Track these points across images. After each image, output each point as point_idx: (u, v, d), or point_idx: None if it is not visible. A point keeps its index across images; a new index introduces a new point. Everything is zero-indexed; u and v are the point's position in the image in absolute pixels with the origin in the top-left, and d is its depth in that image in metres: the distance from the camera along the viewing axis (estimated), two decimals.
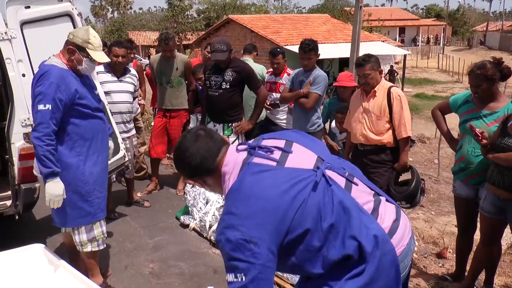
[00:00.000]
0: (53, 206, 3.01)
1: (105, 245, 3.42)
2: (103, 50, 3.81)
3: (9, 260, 2.98)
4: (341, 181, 1.76)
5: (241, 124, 4.72)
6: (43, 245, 3.06)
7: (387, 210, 1.80)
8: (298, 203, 1.63)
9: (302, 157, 1.79)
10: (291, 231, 1.63)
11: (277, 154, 1.77)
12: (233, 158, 1.81)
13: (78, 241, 3.24)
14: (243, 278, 1.59)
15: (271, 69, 5.59)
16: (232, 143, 4.70)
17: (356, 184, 1.79)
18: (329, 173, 1.74)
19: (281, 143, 1.83)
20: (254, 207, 1.62)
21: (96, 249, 3.30)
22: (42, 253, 3.01)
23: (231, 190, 1.72)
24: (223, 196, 1.83)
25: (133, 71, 5.09)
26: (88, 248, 3.27)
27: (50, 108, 2.89)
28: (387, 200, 1.86)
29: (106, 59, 3.26)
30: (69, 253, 3.52)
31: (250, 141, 1.92)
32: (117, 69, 4.85)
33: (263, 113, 5.50)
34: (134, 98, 5.09)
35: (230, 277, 1.62)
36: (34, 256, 3.02)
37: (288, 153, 1.78)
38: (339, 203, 1.67)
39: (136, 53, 6.39)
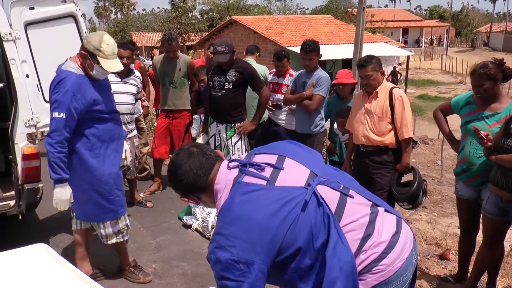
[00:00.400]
0: (60, 209, 3.13)
1: (128, 236, 3.54)
2: None
3: (12, 260, 2.98)
4: (334, 195, 1.73)
5: (244, 125, 4.73)
6: (46, 245, 3.06)
7: (386, 223, 1.77)
8: (288, 223, 1.62)
9: (294, 173, 1.76)
10: (282, 251, 1.64)
11: (268, 172, 1.75)
12: (224, 176, 1.79)
13: (103, 234, 3.38)
14: None
15: (273, 70, 5.59)
16: (235, 143, 4.74)
17: (352, 197, 1.76)
18: (321, 188, 1.71)
19: (273, 159, 1.80)
20: (243, 228, 1.63)
21: (121, 240, 3.46)
22: (45, 253, 3.02)
23: (222, 210, 1.72)
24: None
25: (137, 73, 5.08)
26: (113, 240, 3.42)
27: (64, 117, 2.95)
28: (386, 211, 1.82)
29: (118, 68, 3.16)
30: (77, 250, 3.53)
31: (243, 157, 1.90)
32: (121, 71, 4.83)
33: (266, 114, 5.51)
34: (136, 100, 5.10)
35: None
36: (37, 256, 3.02)
37: (280, 170, 1.76)
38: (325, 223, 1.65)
39: (140, 54, 6.42)
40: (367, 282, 1.71)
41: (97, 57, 3.02)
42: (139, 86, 4.99)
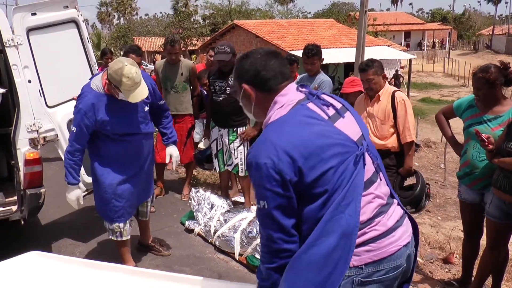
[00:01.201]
0: (74, 206, 3.60)
1: (125, 239, 3.66)
2: (107, 57, 3.90)
3: (2, 272, 3.00)
4: (371, 168, 1.83)
5: (246, 131, 4.73)
6: (39, 252, 3.07)
7: (395, 212, 1.87)
8: (334, 162, 1.69)
9: (350, 127, 1.83)
10: (316, 184, 1.69)
11: (331, 111, 1.82)
12: (291, 92, 1.84)
13: (106, 227, 3.67)
14: (266, 205, 1.70)
15: None
16: (237, 148, 4.74)
17: (381, 179, 1.87)
18: (366, 155, 1.79)
19: (338, 105, 1.88)
20: (295, 144, 1.67)
21: (114, 239, 3.65)
22: (38, 261, 3.02)
23: (279, 120, 1.77)
24: (263, 126, 1.89)
25: None
26: (110, 235, 3.65)
27: (75, 131, 3.29)
28: (398, 204, 1.93)
29: (142, 97, 3.23)
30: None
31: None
32: None
33: None
34: None
35: (257, 204, 1.74)
36: (29, 265, 3.03)
37: (341, 116, 1.83)
38: (357, 185, 1.73)
39: (143, 59, 6.46)
40: (361, 258, 1.75)
41: (120, 88, 3.15)
42: None
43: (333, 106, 1.84)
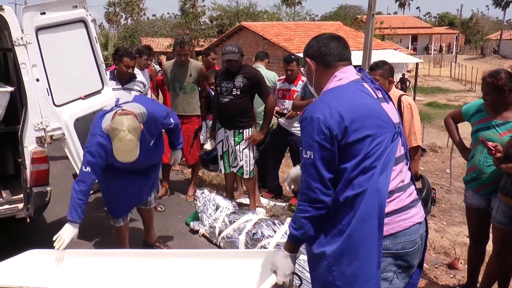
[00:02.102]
0: (56, 243, 3.26)
1: (118, 224, 3.91)
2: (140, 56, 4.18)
3: (2, 271, 3.05)
4: (402, 150, 2.08)
5: (253, 135, 4.73)
6: (38, 250, 3.10)
7: (411, 195, 2.08)
8: (373, 131, 1.94)
9: (392, 112, 2.11)
10: (354, 144, 1.92)
11: (380, 95, 2.11)
12: (350, 71, 2.12)
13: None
14: (312, 156, 1.95)
15: (282, 77, 5.59)
16: (243, 150, 4.74)
17: (406, 164, 2.12)
18: (399, 138, 2.05)
19: (385, 94, 2.17)
20: (346, 107, 1.93)
21: (114, 224, 3.94)
22: (37, 259, 3.06)
23: (337, 87, 2.05)
24: (312, 90, 2.26)
25: (140, 77, 5.08)
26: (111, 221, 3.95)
27: (89, 171, 3.39)
28: (415, 189, 2.15)
29: (125, 161, 3.22)
30: None
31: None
32: (123, 78, 4.86)
33: (273, 120, 5.50)
34: None
35: (304, 153, 1.99)
36: (28, 263, 3.07)
37: (386, 102, 2.12)
38: (390, 159, 1.98)
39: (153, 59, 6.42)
40: None
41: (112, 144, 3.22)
42: (142, 90, 5.01)
43: (382, 93, 2.13)
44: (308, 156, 1.96)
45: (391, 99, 2.18)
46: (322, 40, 2.16)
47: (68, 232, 3.31)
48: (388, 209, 1.95)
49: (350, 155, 1.93)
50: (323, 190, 1.95)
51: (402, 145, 2.08)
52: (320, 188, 1.95)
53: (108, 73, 4.80)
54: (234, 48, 4.55)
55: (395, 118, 2.09)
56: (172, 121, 3.73)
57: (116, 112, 3.30)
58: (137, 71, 5.14)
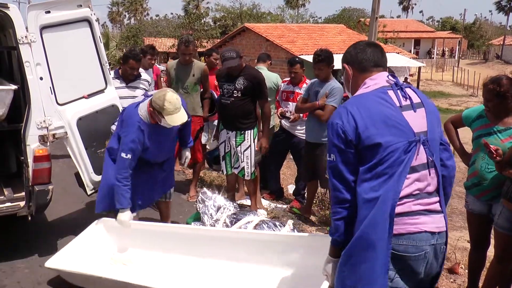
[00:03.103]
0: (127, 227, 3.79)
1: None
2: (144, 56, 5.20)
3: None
4: (424, 159, 2.09)
5: (262, 143, 4.76)
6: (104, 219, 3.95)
7: (429, 204, 2.09)
8: (386, 139, 2.02)
9: (417, 120, 2.12)
10: (367, 150, 2.04)
11: (405, 102, 2.13)
12: (380, 78, 2.20)
13: None
14: (335, 158, 2.10)
15: (287, 78, 5.59)
16: (244, 151, 4.74)
17: (430, 174, 2.10)
18: (421, 147, 2.07)
19: (416, 99, 2.17)
20: (362, 114, 2.05)
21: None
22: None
23: (360, 95, 2.17)
24: (349, 95, 2.36)
25: (144, 75, 5.15)
26: None
27: (130, 158, 3.64)
28: (439, 202, 2.14)
29: (182, 121, 3.67)
30: None
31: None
32: (127, 77, 4.93)
33: (276, 121, 5.51)
34: None
35: (328, 156, 2.14)
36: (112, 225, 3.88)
37: (412, 109, 2.13)
38: (405, 167, 2.03)
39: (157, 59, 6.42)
40: None
41: (162, 113, 3.54)
42: (147, 88, 5.05)
43: (410, 99, 2.14)
44: (331, 159, 2.13)
45: (425, 106, 2.18)
46: (359, 47, 2.29)
47: (125, 218, 3.72)
48: (396, 211, 2.03)
49: (364, 160, 2.06)
50: (347, 190, 2.10)
51: (426, 154, 2.09)
52: (344, 188, 2.10)
53: (112, 72, 4.87)
54: (232, 54, 4.56)
55: (419, 127, 2.10)
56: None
57: (150, 100, 3.63)
58: (141, 70, 5.17)
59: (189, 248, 3.68)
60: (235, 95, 4.64)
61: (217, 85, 5.99)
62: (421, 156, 2.07)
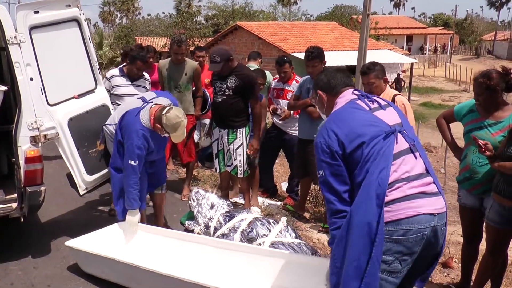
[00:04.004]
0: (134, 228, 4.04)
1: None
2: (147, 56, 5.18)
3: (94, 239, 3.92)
4: (404, 144, 2.29)
5: (253, 147, 4.76)
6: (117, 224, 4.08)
7: (423, 185, 2.24)
8: (366, 137, 2.23)
9: (389, 116, 2.38)
10: (354, 154, 2.23)
11: (374, 105, 2.41)
12: (348, 95, 2.49)
13: None
14: (323, 173, 2.29)
15: (277, 76, 5.59)
16: (236, 149, 4.73)
17: (415, 157, 2.29)
18: (399, 135, 2.28)
19: (382, 102, 2.46)
20: (340, 126, 2.29)
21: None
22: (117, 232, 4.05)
23: (334, 112, 2.45)
24: (324, 117, 2.61)
25: (146, 75, 5.22)
26: None
27: (137, 163, 3.85)
28: (433, 182, 2.29)
29: (181, 140, 4.10)
30: None
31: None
32: (132, 76, 5.00)
33: (269, 118, 5.51)
34: None
35: (318, 174, 2.34)
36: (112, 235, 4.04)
37: (382, 109, 2.41)
38: (388, 155, 2.21)
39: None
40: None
41: (170, 134, 3.85)
42: (148, 88, 5.14)
43: (378, 102, 2.43)
44: (321, 175, 2.31)
45: (392, 106, 2.47)
46: (330, 74, 2.60)
47: (134, 219, 3.97)
48: (390, 197, 2.18)
49: (355, 162, 2.24)
50: (339, 201, 2.26)
51: (406, 141, 2.30)
52: (336, 200, 2.26)
53: (117, 70, 5.03)
54: (216, 58, 4.53)
55: (393, 121, 2.36)
56: None
57: (152, 107, 3.87)
58: None
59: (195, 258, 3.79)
60: (227, 94, 4.63)
61: (207, 83, 6.03)
62: (401, 143, 2.27)
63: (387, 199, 2.17)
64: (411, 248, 2.19)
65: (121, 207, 4.03)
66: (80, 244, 3.75)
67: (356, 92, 2.50)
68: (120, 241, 4.00)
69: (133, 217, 3.97)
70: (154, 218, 4.57)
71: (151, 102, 3.95)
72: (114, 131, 4.09)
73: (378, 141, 2.22)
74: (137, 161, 3.83)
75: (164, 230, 4.14)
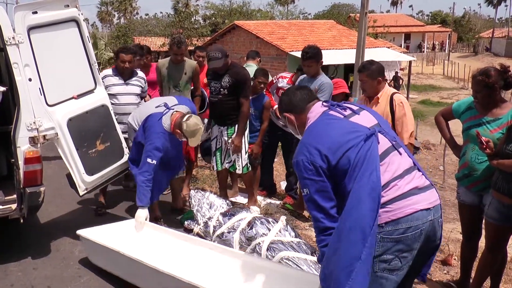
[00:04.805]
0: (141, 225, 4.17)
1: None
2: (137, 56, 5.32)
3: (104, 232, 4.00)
4: (387, 143, 2.28)
5: (235, 145, 4.74)
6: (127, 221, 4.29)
7: (414, 180, 2.25)
8: (350, 144, 2.20)
9: (364, 119, 2.36)
10: (341, 165, 2.19)
11: (347, 112, 2.38)
12: (317, 109, 2.45)
13: None
14: (308, 191, 2.24)
15: (284, 74, 5.59)
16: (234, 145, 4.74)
17: (400, 153, 2.29)
18: (380, 135, 2.26)
19: (355, 108, 2.42)
20: (319, 141, 2.24)
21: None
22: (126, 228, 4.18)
23: (308, 128, 2.39)
24: (300, 137, 2.50)
25: (140, 73, 5.19)
26: None
27: (155, 163, 4.17)
28: (423, 175, 2.31)
29: (197, 144, 4.61)
30: None
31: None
32: (124, 73, 4.96)
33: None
34: (142, 98, 5.22)
35: (303, 193, 2.29)
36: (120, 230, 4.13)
37: (356, 114, 2.38)
38: (374, 157, 2.18)
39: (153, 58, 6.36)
40: (381, 218, 2.16)
41: (188, 139, 4.20)
42: (143, 86, 5.13)
43: (350, 109, 2.39)
44: (305, 193, 2.27)
45: (366, 109, 2.45)
46: (290, 93, 2.58)
47: (142, 215, 4.10)
48: (387, 198, 2.17)
49: (342, 172, 2.20)
50: (327, 218, 2.22)
51: (387, 139, 2.29)
52: (324, 217, 2.23)
53: (110, 70, 5.00)
54: (217, 54, 4.56)
55: (370, 122, 2.34)
56: None
57: (173, 114, 4.24)
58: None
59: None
60: (222, 93, 4.67)
61: (206, 83, 6.03)
62: (383, 142, 2.27)
63: (384, 199, 2.16)
64: (411, 245, 2.21)
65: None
66: (90, 234, 3.88)
67: (325, 103, 2.47)
68: (129, 237, 4.09)
69: (141, 213, 4.12)
70: (172, 199, 5.12)
71: (173, 109, 4.30)
72: (135, 126, 4.48)
73: (362, 146, 2.19)
74: (154, 161, 4.14)
75: (173, 231, 4.17)
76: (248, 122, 4.90)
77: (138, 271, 3.45)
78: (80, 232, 3.89)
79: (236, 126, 4.75)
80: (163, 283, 3.26)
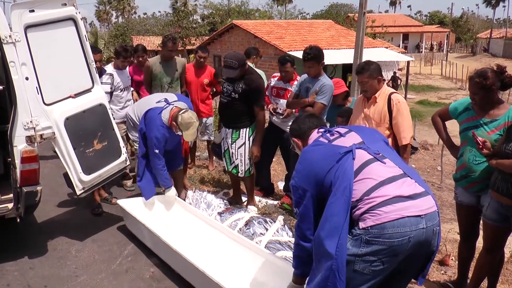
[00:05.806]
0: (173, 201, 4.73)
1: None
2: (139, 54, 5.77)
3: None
4: (366, 157, 2.40)
5: (253, 152, 4.73)
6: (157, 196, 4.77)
7: (403, 187, 2.30)
8: (328, 167, 2.39)
9: (349, 140, 2.53)
10: (324, 187, 2.39)
11: (334, 136, 2.59)
12: (313, 135, 2.74)
13: None
14: (297, 210, 2.54)
15: (277, 74, 5.56)
16: (238, 148, 4.72)
17: (384, 163, 2.39)
18: (358, 151, 2.41)
19: (343, 130, 2.64)
20: (305, 166, 2.52)
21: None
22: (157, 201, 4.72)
23: (301, 153, 2.65)
24: None
25: (109, 70, 5.24)
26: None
27: (158, 152, 4.60)
28: (416, 182, 2.35)
29: (192, 139, 4.98)
30: None
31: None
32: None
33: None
34: (111, 95, 5.26)
35: (294, 209, 2.59)
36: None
37: (342, 137, 2.57)
38: (348, 173, 2.34)
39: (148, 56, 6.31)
40: (366, 222, 2.24)
41: (183, 132, 4.51)
42: (113, 83, 5.23)
43: (338, 132, 2.61)
44: (295, 212, 2.59)
45: (354, 130, 2.64)
46: (300, 120, 2.88)
47: (172, 193, 4.69)
48: (370, 205, 2.26)
49: (326, 191, 2.38)
50: (302, 238, 2.54)
51: (368, 153, 2.43)
52: (304, 234, 2.53)
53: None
54: (234, 63, 4.50)
55: (352, 142, 2.49)
56: None
57: (172, 109, 4.55)
58: (115, 70, 5.33)
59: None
60: (232, 96, 4.63)
61: (206, 83, 6.07)
62: (361, 157, 2.40)
63: (364, 208, 2.26)
64: (396, 250, 2.22)
65: (144, 185, 4.70)
66: (127, 205, 4.43)
67: (320, 130, 2.73)
68: (160, 211, 4.64)
69: (171, 192, 4.67)
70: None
71: (173, 104, 4.61)
72: (135, 119, 4.83)
73: (339, 166, 2.36)
74: (157, 150, 4.55)
75: (200, 212, 4.50)
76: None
77: (158, 245, 3.88)
78: (120, 202, 4.50)
79: (241, 130, 4.72)
80: (176, 262, 3.64)
